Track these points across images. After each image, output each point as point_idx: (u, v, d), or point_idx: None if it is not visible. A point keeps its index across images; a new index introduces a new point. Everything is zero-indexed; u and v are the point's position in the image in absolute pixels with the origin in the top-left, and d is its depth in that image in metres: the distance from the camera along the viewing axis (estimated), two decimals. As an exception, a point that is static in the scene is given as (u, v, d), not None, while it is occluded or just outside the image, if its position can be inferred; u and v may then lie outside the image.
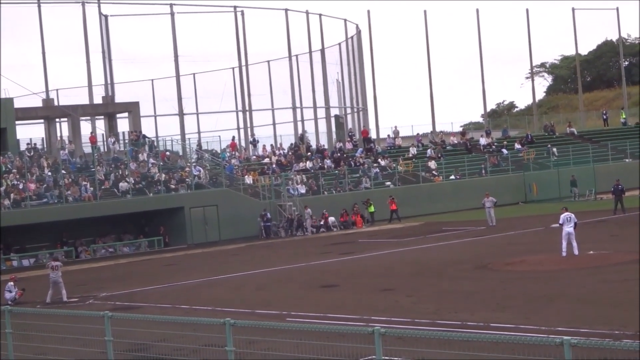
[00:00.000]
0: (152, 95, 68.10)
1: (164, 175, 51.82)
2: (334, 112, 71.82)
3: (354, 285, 27.91)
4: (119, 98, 60.53)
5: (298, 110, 68.59)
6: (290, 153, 62.95)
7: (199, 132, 67.74)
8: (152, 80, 68.59)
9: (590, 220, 42.54)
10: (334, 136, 69.72)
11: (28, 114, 56.58)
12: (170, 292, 29.84)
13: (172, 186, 51.36)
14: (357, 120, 74.17)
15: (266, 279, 31.43)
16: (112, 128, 58.30)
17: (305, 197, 54.44)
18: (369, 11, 72.33)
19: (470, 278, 27.36)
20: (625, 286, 22.84)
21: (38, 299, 29.55)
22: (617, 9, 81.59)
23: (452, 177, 61.83)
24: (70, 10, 58.63)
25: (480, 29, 75.54)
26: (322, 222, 52.57)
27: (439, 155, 64.91)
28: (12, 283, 30.22)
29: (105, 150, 56.73)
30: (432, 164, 62.85)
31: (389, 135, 69.99)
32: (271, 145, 65.28)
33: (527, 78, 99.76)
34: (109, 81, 60.09)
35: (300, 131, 68.07)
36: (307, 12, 67.58)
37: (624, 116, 78.36)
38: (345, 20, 70.96)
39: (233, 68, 68.04)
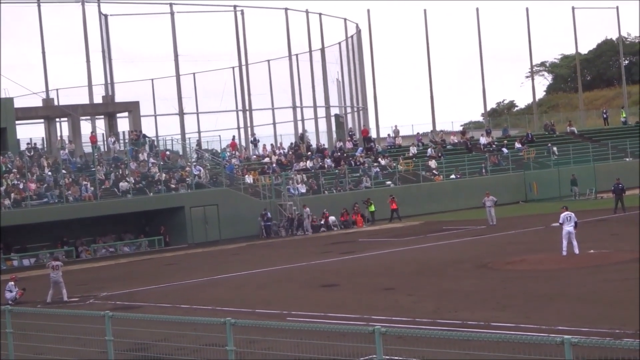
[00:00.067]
0: (152, 95, 68.13)
1: (164, 175, 51.84)
2: (334, 111, 71.82)
3: (355, 284, 27.91)
4: (119, 98, 60.55)
5: (298, 110, 68.59)
6: (290, 152, 62.96)
7: (199, 132, 67.75)
8: (152, 79, 68.62)
9: (590, 219, 42.55)
10: (334, 135, 69.72)
11: (28, 113, 56.59)
12: (171, 292, 29.85)
13: (173, 186, 51.37)
14: (357, 119, 74.17)
15: (267, 279, 31.44)
16: (112, 128, 58.31)
17: (306, 196, 54.44)
18: (368, 10, 72.38)
19: (471, 277, 27.36)
20: (626, 285, 22.85)
21: (38, 299, 29.56)
22: (617, 7, 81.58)
23: (453, 176, 61.82)
24: (70, 9, 58.73)
25: (480, 28, 75.57)
26: (322, 222, 52.58)
27: (439, 155, 64.91)
28: (12, 283, 30.23)
29: (106, 149, 56.74)
30: (433, 163, 62.85)
31: (389, 135, 69.99)
32: (271, 144, 65.28)
33: (527, 77, 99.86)
34: (109, 81, 60.09)
35: (300, 130, 68.08)
36: (307, 12, 67.58)
37: (624, 115, 78.35)
38: (345, 19, 71.01)
39: (233, 67, 68.08)
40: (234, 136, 65.05)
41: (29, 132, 59.24)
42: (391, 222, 53.61)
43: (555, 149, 67.53)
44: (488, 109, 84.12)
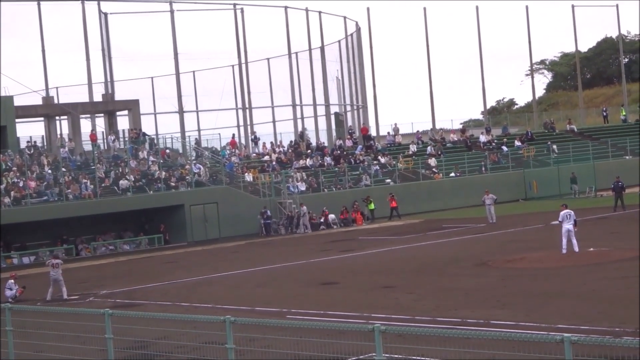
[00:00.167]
0: (152, 93, 68.08)
1: (164, 173, 51.85)
2: (334, 109, 71.81)
3: (354, 282, 27.93)
4: (119, 96, 60.53)
5: (298, 108, 68.59)
6: (290, 150, 62.97)
7: (198, 130, 67.72)
8: (152, 78, 68.57)
9: (590, 217, 42.59)
10: (334, 134, 69.72)
11: (28, 111, 56.58)
12: (171, 290, 29.87)
13: (172, 184, 51.38)
14: (357, 117, 74.17)
15: (266, 277, 31.45)
16: (112, 126, 58.30)
17: (305, 194, 54.43)
18: (368, 8, 72.37)
19: (471, 275, 27.38)
20: (626, 283, 22.87)
21: (38, 297, 29.57)
22: (617, 5, 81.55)
23: (452, 174, 61.82)
24: (70, 8, 58.74)
25: (480, 26, 75.57)
26: (322, 220, 52.59)
27: (439, 153, 64.90)
28: (12, 281, 30.26)
29: (105, 148, 56.72)
30: (432, 162, 62.84)
31: (388, 133, 69.99)
32: (271, 142, 65.27)
33: (527, 75, 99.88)
34: (108, 79, 60.07)
35: (300, 129, 68.07)
36: (306, 10, 67.55)
37: (624, 113, 78.36)
38: (344, 17, 70.97)
39: (233, 66, 68.03)
40: (233, 134, 65.06)
41: (29, 130, 59.29)
42: (391, 220, 53.60)
43: (555, 147, 67.52)
44: (488, 107, 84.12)
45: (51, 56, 57.51)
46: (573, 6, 78.24)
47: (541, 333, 16.30)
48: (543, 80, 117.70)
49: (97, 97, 58.92)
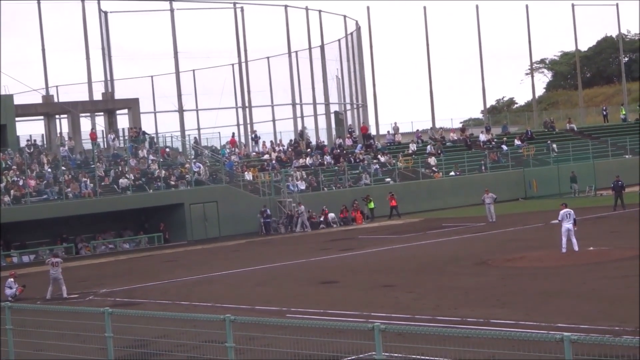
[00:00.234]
0: (151, 92, 68.04)
1: (163, 172, 51.84)
2: (334, 108, 71.79)
3: (354, 281, 27.93)
4: (119, 94, 60.51)
5: (298, 107, 68.57)
6: (290, 149, 62.95)
7: (198, 129, 67.70)
8: (152, 76, 68.54)
9: (590, 216, 42.60)
10: (334, 132, 69.70)
11: (28, 110, 56.57)
12: (170, 289, 29.87)
13: (172, 182, 51.38)
14: (356, 116, 74.14)
15: (266, 276, 31.45)
16: (111, 124, 58.29)
17: (305, 193, 54.42)
18: (368, 7, 72.37)
19: (470, 274, 27.38)
20: (626, 282, 22.87)
21: (38, 296, 29.57)
22: (617, 5, 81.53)
23: (452, 173, 61.82)
24: (70, 6, 58.63)
25: (480, 25, 75.54)
26: (321, 219, 52.58)
27: (439, 152, 64.89)
28: (12, 279, 30.26)
29: (105, 146, 56.72)
30: (432, 160, 62.84)
31: (388, 132, 69.97)
32: (271, 141, 65.27)
33: (526, 74, 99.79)
34: (108, 78, 60.06)
35: (300, 127, 68.06)
36: (306, 9, 67.53)
37: (623, 112, 78.36)
38: (344, 16, 70.94)
39: (233, 64, 68.00)
40: (233, 133, 65.04)
41: (29, 129, 59.31)
42: (390, 219, 53.60)
43: (554, 146, 67.53)
44: (488, 106, 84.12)
45: (51, 55, 57.58)
46: (573, 5, 78.25)
47: (541, 332, 16.32)
48: (543, 79, 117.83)
49: (97, 96, 58.93)
